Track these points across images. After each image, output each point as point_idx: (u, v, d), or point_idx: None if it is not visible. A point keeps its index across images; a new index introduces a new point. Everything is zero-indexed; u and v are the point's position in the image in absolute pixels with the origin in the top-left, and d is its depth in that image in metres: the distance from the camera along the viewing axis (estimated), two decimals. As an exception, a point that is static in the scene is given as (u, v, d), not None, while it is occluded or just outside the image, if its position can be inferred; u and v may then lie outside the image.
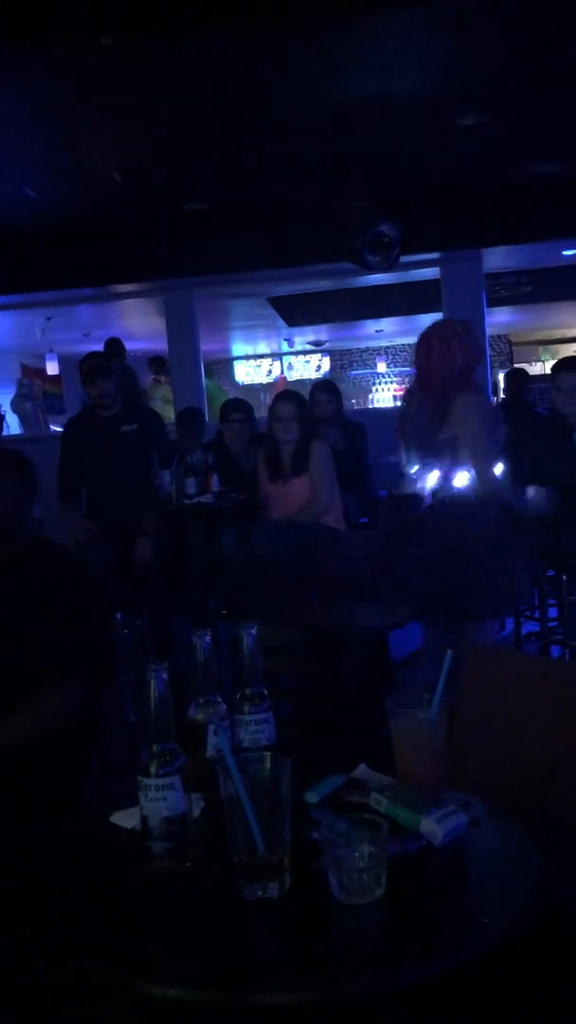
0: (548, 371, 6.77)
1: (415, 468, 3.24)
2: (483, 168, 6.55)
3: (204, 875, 1.25)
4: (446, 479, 3.13)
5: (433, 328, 3.32)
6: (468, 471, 3.13)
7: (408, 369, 14.90)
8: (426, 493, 3.16)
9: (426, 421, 3.15)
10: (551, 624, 4.65)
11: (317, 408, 5.39)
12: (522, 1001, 1.24)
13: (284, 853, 1.17)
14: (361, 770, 1.50)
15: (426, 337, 3.30)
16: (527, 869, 1.21)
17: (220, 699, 1.50)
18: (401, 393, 14.48)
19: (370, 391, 14.76)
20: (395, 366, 15.03)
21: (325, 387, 5.88)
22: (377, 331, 13.03)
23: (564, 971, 1.29)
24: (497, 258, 8.12)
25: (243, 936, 1.12)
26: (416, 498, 3.17)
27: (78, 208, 6.63)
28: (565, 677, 1.94)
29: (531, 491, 3.67)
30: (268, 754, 1.27)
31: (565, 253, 8.34)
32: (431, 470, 3.14)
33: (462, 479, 3.13)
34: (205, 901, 1.21)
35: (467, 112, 5.34)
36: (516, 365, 13.32)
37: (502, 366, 12.94)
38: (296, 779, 1.34)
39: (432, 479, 3.14)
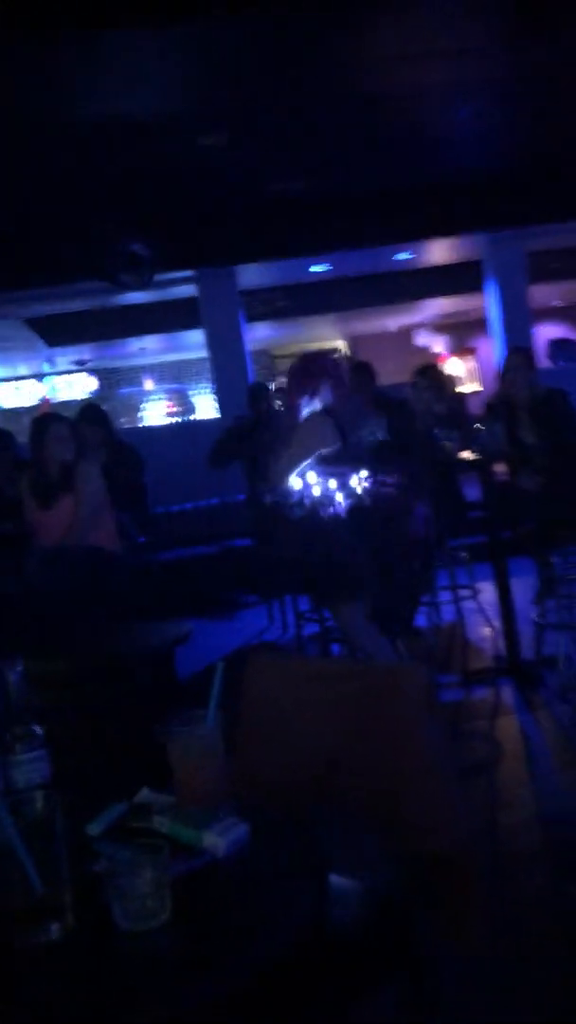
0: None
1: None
2: (230, 187, 6.73)
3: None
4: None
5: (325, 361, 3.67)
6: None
7: (177, 385, 14.98)
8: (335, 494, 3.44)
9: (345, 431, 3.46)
10: (329, 623, 4.83)
11: (84, 433, 5.30)
12: (316, 997, 1.28)
13: (64, 892, 1.14)
14: (144, 794, 1.48)
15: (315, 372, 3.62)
16: (309, 870, 1.24)
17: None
18: (170, 410, 14.52)
19: (139, 409, 14.67)
20: (163, 383, 15.04)
21: (91, 412, 5.80)
22: (140, 349, 12.98)
23: (351, 957, 1.34)
24: (252, 275, 8.36)
25: (28, 984, 1.07)
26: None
27: None
28: (337, 675, 2.02)
29: None
30: (40, 792, 1.22)
31: (313, 269, 8.73)
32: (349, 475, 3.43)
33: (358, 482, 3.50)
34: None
35: (208, 133, 5.47)
36: (280, 378, 13.76)
37: (266, 380, 13.31)
38: (80, 812, 1.31)
39: (356, 481, 3.44)
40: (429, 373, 5.07)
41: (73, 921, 1.14)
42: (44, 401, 13.94)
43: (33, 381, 14.53)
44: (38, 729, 1.47)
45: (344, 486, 3.47)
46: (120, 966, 1.09)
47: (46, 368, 13.93)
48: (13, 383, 14.53)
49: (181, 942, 1.12)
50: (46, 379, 14.42)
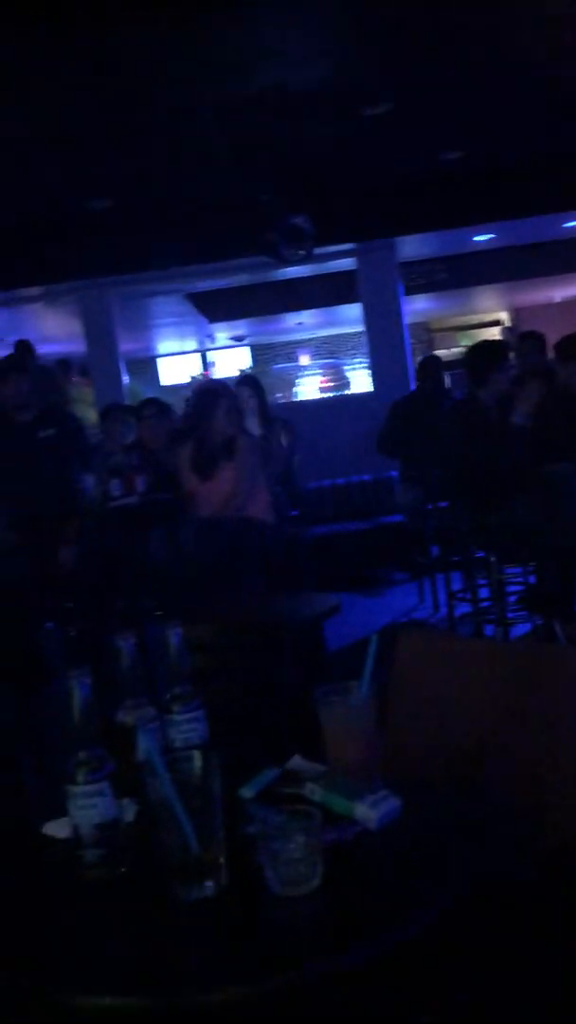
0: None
1: None
2: (392, 157, 6.61)
3: (140, 880, 1.23)
4: None
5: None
6: None
7: (332, 360, 15.00)
8: None
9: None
10: (483, 604, 4.73)
11: (241, 395, 5.40)
12: (463, 972, 1.25)
13: (218, 851, 1.16)
14: (295, 761, 1.50)
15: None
16: (461, 848, 1.22)
17: (148, 701, 1.48)
18: (327, 385, 14.58)
19: (294, 384, 14.80)
20: (318, 358, 15.09)
21: (247, 382, 5.90)
22: (298, 324, 13.06)
23: (500, 941, 1.31)
24: (412, 246, 8.21)
25: (182, 937, 1.10)
26: None
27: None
28: (495, 655, 1.97)
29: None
30: (197, 752, 1.25)
31: (476, 239, 8.48)
32: None
33: None
34: (142, 905, 1.19)
35: (371, 102, 5.38)
36: (436, 351, 13.51)
37: (423, 353, 13.10)
38: (232, 775, 1.34)
39: None
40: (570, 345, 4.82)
41: (227, 879, 1.16)
42: (204, 375, 14.29)
43: (188, 358, 14.91)
44: (195, 690, 1.50)
45: None
46: (270, 927, 1.11)
47: (207, 344, 14.27)
48: (178, 358, 14.95)
49: (329, 910, 1.12)
50: (206, 355, 14.76)
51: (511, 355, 4.84)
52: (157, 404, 5.37)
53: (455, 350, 14.22)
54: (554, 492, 3.65)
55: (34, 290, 7.97)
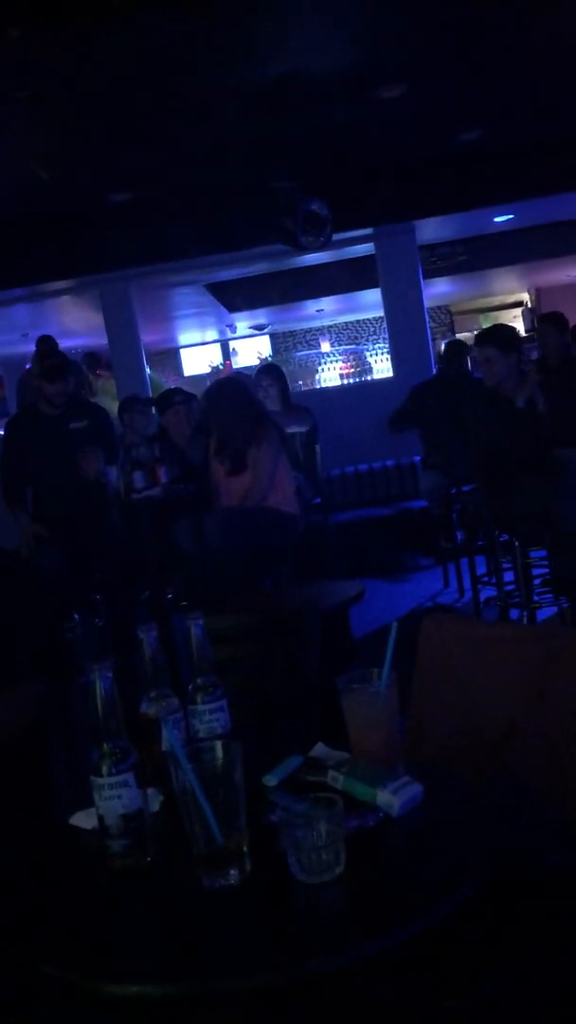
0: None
1: None
2: (409, 140, 6.55)
3: (165, 869, 1.24)
4: None
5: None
6: None
7: (353, 347, 14.93)
8: None
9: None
10: (508, 588, 4.71)
11: (260, 392, 5.40)
12: (487, 959, 1.26)
13: (242, 839, 1.17)
14: (319, 749, 1.50)
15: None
16: (484, 833, 1.22)
17: (171, 692, 1.49)
18: (346, 371, 14.53)
19: (316, 371, 14.75)
20: (339, 344, 15.03)
21: (268, 370, 5.91)
22: (318, 311, 13.01)
23: (526, 925, 1.31)
24: (431, 229, 8.15)
25: (206, 925, 1.12)
26: None
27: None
28: (519, 639, 1.96)
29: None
30: (219, 742, 1.26)
31: (497, 220, 8.39)
32: None
33: None
34: (167, 895, 1.20)
35: (386, 85, 5.33)
36: (458, 335, 13.41)
37: (443, 336, 13.00)
38: (256, 763, 1.35)
39: None
40: None
41: (251, 867, 1.17)
42: (226, 364, 14.30)
43: (210, 348, 14.91)
44: (218, 680, 1.52)
45: None
46: (294, 915, 1.12)
47: (229, 334, 14.26)
48: (200, 348, 14.96)
49: (353, 897, 1.13)
50: (228, 344, 14.75)
51: (522, 345, 4.79)
52: (181, 394, 5.38)
53: (476, 332, 14.07)
54: (565, 476, 3.62)
55: (60, 284, 8.01)
